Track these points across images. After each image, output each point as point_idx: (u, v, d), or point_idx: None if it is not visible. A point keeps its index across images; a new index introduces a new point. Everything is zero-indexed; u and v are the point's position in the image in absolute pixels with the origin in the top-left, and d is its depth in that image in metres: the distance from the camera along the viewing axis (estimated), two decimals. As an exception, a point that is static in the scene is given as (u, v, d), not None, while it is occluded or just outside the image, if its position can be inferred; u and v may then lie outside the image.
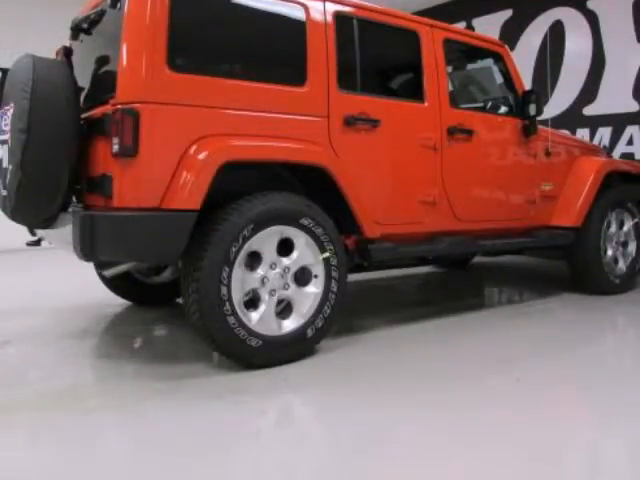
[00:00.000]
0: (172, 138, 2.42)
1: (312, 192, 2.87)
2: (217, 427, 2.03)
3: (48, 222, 2.70)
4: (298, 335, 2.68)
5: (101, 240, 2.32)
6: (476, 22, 7.20)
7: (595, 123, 6.03)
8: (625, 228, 4.33)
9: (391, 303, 4.20)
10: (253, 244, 2.55)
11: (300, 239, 2.68)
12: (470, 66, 4.16)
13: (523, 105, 3.74)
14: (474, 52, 3.85)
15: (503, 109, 3.80)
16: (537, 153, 3.89)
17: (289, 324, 2.68)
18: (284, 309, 2.72)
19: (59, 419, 2.09)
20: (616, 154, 5.76)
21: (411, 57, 3.33)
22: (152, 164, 2.38)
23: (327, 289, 2.76)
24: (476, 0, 7.18)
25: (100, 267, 3.47)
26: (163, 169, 2.40)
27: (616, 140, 5.86)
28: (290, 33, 2.82)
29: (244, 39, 2.72)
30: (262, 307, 2.61)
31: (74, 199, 2.72)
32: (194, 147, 2.44)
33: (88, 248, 2.31)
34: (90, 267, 3.64)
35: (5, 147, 2.59)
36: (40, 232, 3.06)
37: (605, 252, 4.17)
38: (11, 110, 2.52)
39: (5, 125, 2.60)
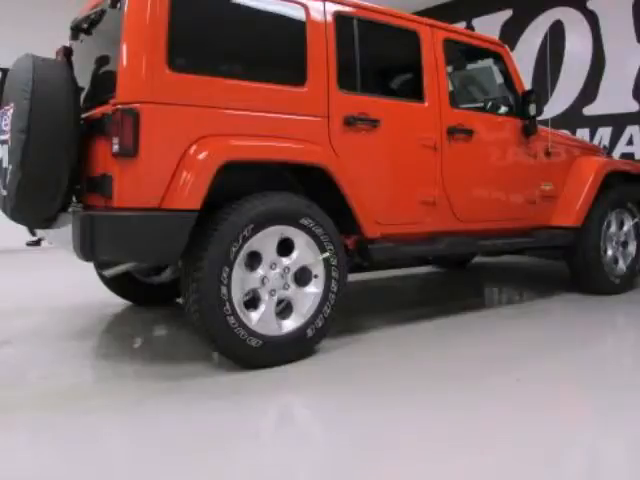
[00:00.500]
0: (172, 138, 2.42)
1: (312, 192, 2.87)
2: (217, 427, 2.03)
3: (48, 222, 2.70)
4: (298, 335, 2.68)
5: (101, 240, 2.32)
6: (476, 22, 7.20)
7: (595, 123, 6.03)
8: (625, 228, 4.33)
9: (391, 303, 4.20)
10: (253, 244, 2.55)
11: (300, 239, 2.68)
12: (470, 66, 4.16)
13: (523, 105, 3.74)
14: (474, 52, 3.84)
15: (503, 109, 3.80)
16: (537, 153, 3.89)
17: (289, 324, 2.68)
18: (284, 309, 2.72)
19: (59, 419, 2.09)
20: (616, 154, 5.76)
21: (411, 57, 3.33)
22: (152, 164, 2.38)
23: (327, 289, 2.76)
24: (476, 0, 7.18)
25: (100, 267, 3.47)
26: (163, 169, 2.40)
27: (616, 140, 5.86)
28: (290, 33, 2.82)
29: (244, 39, 2.72)
30: (262, 307, 2.61)
31: (74, 199, 2.72)
32: (194, 147, 2.44)
33: (88, 248, 2.31)
34: (90, 267, 3.64)
35: (5, 147, 2.59)
36: (40, 232, 3.06)
37: (605, 252, 4.17)
38: (11, 110, 2.52)
39: (5, 125, 2.60)
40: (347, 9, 3.02)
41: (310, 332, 2.71)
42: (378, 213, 3.04)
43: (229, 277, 2.46)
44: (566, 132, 5.46)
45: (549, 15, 6.39)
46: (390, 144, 3.11)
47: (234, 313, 2.49)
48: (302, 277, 2.73)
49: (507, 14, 6.84)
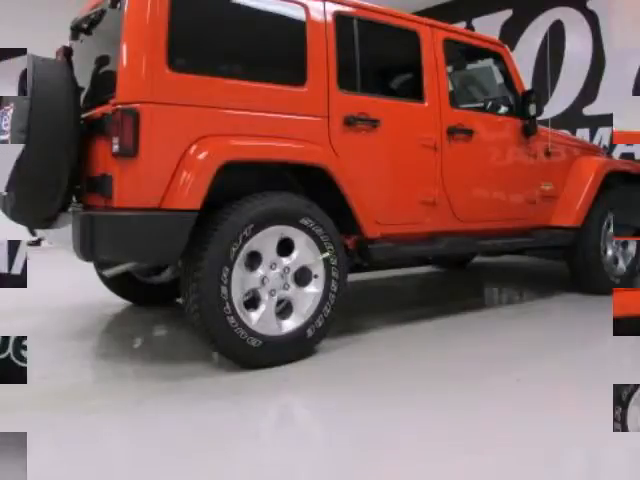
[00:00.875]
0: (172, 138, 2.42)
1: (312, 192, 2.87)
2: (217, 427, 2.03)
3: (48, 222, 2.70)
4: (298, 335, 2.68)
5: (101, 240, 2.32)
6: (476, 22, 7.19)
7: (595, 123, 6.02)
8: (625, 228, 4.34)
9: (391, 303, 4.20)
10: (253, 244, 2.55)
11: (300, 239, 2.68)
12: (470, 66, 4.16)
13: (523, 105, 3.74)
14: (474, 52, 3.85)
15: (503, 109, 3.80)
16: (537, 153, 3.89)
17: (289, 324, 2.68)
18: (284, 309, 2.71)
19: (59, 419, 2.09)
20: (616, 154, 5.76)
21: (411, 57, 3.33)
22: (152, 164, 2.38)
23: (327, 289, 2.75)
24: (476, 0, 7.18)
25: (100, 267, 3.47)
26: (163, 169, 2.40)
27: (616, 140, 5.86)
28: (290, 33, 2.82)
29: (244, 39, 2.72)
30: (262, 307, 2.61)
31: (74, 199, 2.72)
32: (194, 147, 2.44)
33: (88, 248, 2.31)
34: (90, 267, 3.64)
35: (5, 147, 2.59)
36: (40, 232, 3.06)
37: (605, 252, 4.17)
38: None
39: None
40: (347, 9, 3.02)
41: (310, 332, 2.70)
42: (378, 213, 3.04)
43: (229, 277, 2.46)
44: (566, 132, 5.46)
45: (549, 15, 6.39)
46: (390, 144, 3.11)
47: (234, 313, 2.48)
48: (302, 277, 2.73)
49: (507, 14, 6.83)
